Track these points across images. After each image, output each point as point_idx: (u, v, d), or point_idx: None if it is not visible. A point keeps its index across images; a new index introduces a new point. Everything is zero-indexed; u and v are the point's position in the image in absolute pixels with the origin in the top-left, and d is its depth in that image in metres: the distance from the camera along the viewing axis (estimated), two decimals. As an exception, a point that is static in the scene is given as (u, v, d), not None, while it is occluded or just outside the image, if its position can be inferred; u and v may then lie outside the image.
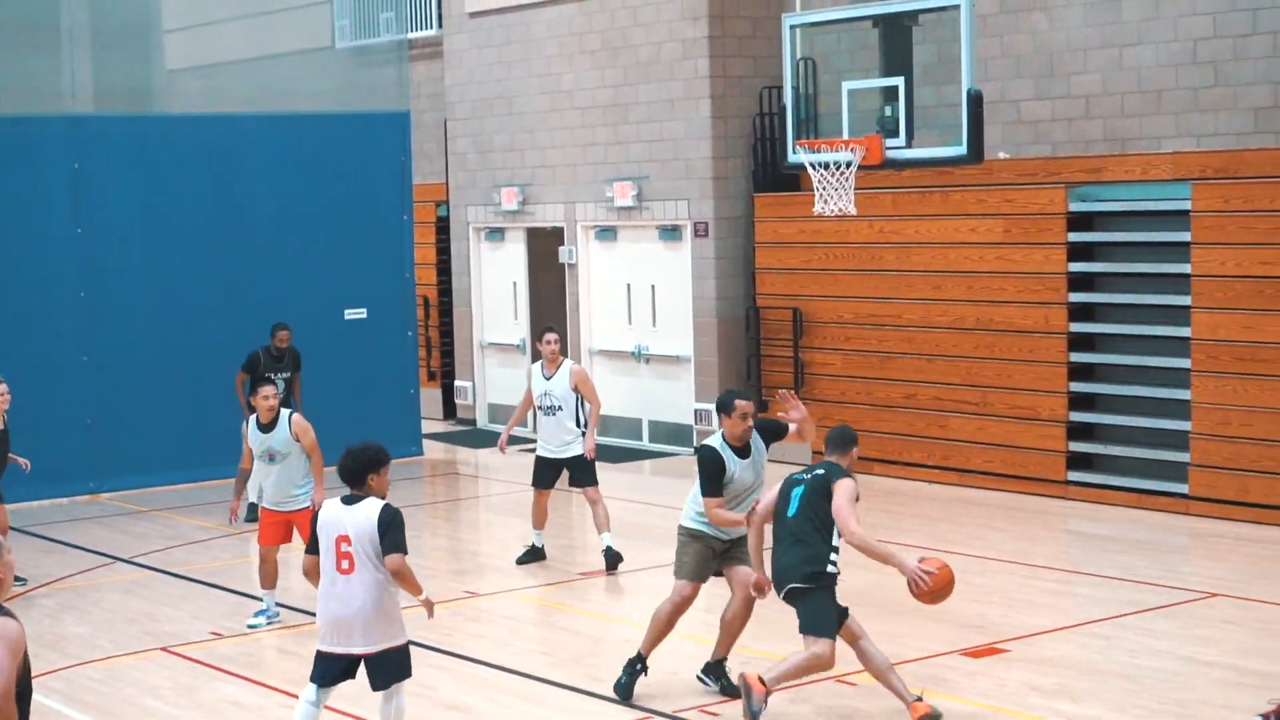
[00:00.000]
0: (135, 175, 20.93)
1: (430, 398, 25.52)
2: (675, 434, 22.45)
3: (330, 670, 9.86)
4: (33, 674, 12.43)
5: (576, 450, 15.90)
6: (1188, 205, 17.25)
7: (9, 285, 20.11)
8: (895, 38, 16.10)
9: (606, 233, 23.27)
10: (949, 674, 11.97)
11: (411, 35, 26.38)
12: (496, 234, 25.12)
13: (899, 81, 15.75)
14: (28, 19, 22.86)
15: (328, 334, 21.73)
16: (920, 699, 10.75)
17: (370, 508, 9.67)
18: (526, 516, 18.85)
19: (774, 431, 11.77)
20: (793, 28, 16.73)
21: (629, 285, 22.98)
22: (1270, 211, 16.62)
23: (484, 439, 24.22)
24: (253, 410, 14.45)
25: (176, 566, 16.41)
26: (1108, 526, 16.96)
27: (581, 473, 15.97)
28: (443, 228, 26.43)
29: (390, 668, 9.82)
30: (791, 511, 10.79)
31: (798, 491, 10.82)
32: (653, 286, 22.68)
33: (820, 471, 10.80)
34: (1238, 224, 16.82)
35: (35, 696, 11.97)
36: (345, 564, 9.64)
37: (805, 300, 20.82)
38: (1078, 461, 18.37)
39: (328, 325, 21.77)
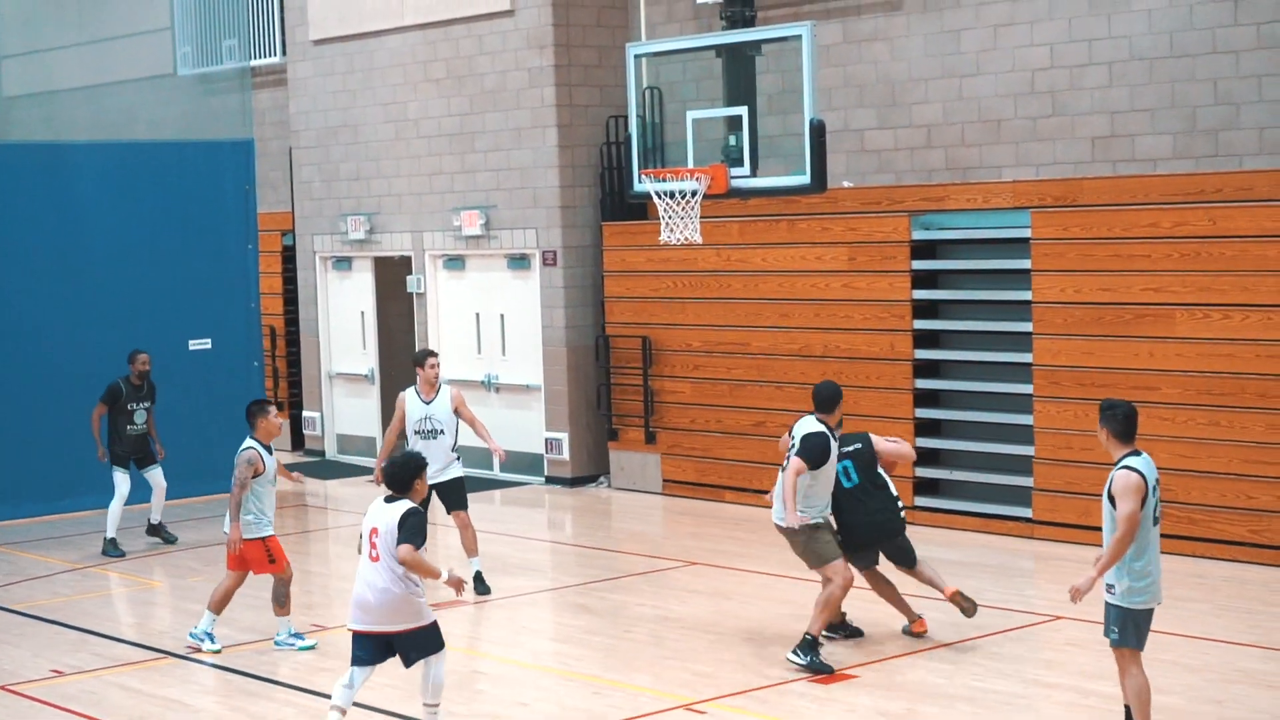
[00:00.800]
0: (-29, 205, 20.55)
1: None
2: (526, 463, 22.38)
3: (365, 650, 11.14)
4: None
5: (455, 473, 15.81)
6: (1028, 233, 17.48)
7: None
8: (739, 67, 16.19)
9: (455, 262, 23.18)
10: (798, 700, 12.02)
11: (255, 62, 26.17)
12: (344, 263, 24.94)
13: (743, 111, 15.83)
14: None
15: (173, 364, 21.40)
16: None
17: (399, 508, 10.99)
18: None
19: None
20: (637, 57, 16.75)
21: (478, 314, 22.90)
22: (1108, 239, 16.89)
23: (333, 470, 24.01)
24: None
25: (16, 603, 16.08)
26: (955, 551, 17.10)
27: (455, 496, 15.83)
28: (289, 257, 26.20)
29: (417, 643, 11.09)
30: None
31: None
32: (502, 315, 22.62)
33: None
34: (1076, 251, 17.07)
35: None
36: (373, 552, 11.05)
37: (654, 328, 20.86)
38: (924, 487, 18.54)
39: (172, 355, 21.45)
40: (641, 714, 11.86)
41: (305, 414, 25.60)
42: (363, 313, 24.76)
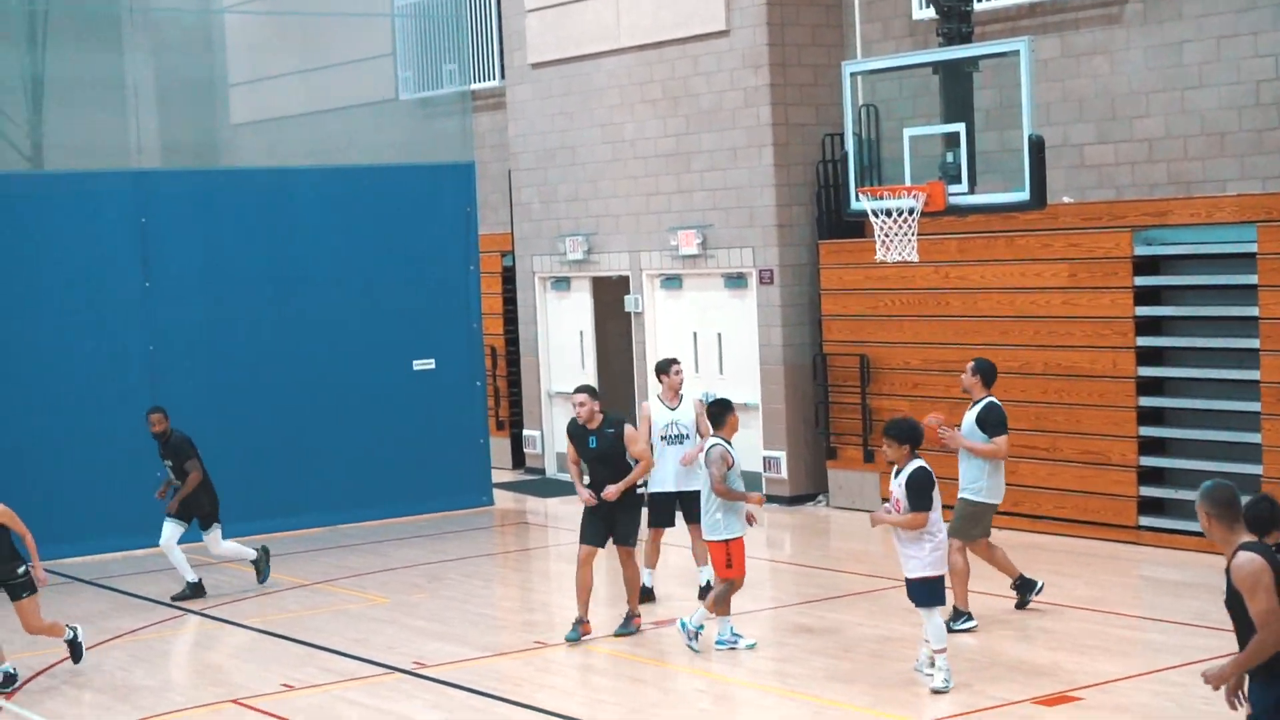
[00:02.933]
0: (200, 229, 21.09)
1: (499, 447, 25.58)
2: (745, 482, 22.33)
3: None
4: (106, 728, 12.48)
5: (698, 484, 15.39)
6: (1254, 248, 17.13)
7: (78, 339, 20.29)
8: (956, 84, 16.08)
9: (672, 281, 23.30)
10: (1021, 722, 11.90)
11: (475, 86, 26.53)
12: (562, 283, 25.19)
13: (960, 127, 15.72)
14: (94, 76, 23.11)
15: (396, 385, 21.84)
16: None
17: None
18: (597, 567, 18.88)
19: None
20: (853, 75, 16.75)
21: (695, 333, 22.99)
22: (1339, 252, 16.49)
23: (553, 488, 24.24)
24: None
25: (247, 618, 16.46)
26: (1180, 571, 16.81)
27: (696, 507, 15.43)
28: (509, 277, 26.52)
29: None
30: None
31: None
32: (719, 334, 22.68)
33: None
34: (1306, 265, 16.70)
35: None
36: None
37: (872, 346, 20.78)
38: (1149, 506, 18.24)
39: (396, 376, 21.88)
40: (863, 734, 11.82)
41: (525, 433, 25.88)
42: (581, 332, 24.98)
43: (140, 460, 20.39)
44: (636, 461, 14.94)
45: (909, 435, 12.90)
